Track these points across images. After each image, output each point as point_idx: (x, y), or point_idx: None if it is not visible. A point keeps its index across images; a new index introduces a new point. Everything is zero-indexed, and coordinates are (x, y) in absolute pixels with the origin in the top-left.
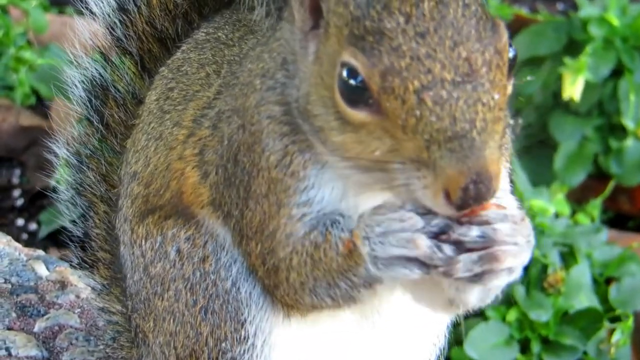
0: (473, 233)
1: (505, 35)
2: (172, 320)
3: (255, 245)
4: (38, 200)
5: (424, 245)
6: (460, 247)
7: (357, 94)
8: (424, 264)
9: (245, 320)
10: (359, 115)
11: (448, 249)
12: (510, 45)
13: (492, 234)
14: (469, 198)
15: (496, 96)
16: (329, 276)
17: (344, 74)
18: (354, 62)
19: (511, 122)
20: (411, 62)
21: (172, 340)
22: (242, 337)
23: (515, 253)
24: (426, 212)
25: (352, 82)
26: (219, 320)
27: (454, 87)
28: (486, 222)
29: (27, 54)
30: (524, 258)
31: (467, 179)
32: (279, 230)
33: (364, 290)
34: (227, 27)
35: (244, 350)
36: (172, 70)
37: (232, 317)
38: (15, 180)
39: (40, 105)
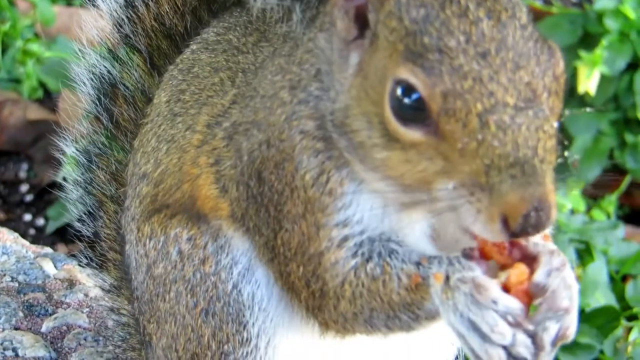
0: (550, 327)
1: (561, 60)
2: (173, 323)
3: (297, 267)
4: (46, 194)
5: (508, 336)
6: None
7: (412, 113)
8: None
9: (247, 322)
10: (412, 134)
11: (526, 341)
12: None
13: (562, 316)
14: (529, 226)
15: (554, 124)
16: (388, 308)
17: (399, 91)
18: (413, 80)
19: None
20: (473, 84)
21: (174, 342)
22: (245, 339)
23: (574, 316)
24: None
25: (406, 100)
26: (220, 322)
27: (517, 112)
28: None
29: (34, 47)
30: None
31: (530, 206)
32: (323, 257)
33: (426, 322)
34: (238, 28)
35: (247, 353)
36: (182, 72)
37: (233, 319)
38: (23, 174)
39: (47, 99)
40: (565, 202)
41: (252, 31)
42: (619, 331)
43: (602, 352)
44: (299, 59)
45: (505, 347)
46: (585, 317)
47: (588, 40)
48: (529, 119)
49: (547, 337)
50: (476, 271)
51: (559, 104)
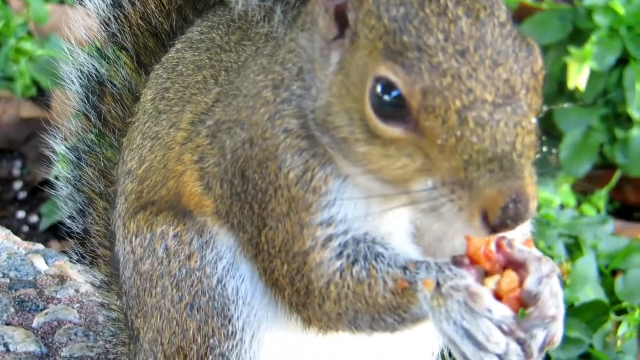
0: (538, 334)
1: (540, 57)
2: (159, 317)
3: (282, 265)
4: (39, 192)
5: (503, 345)
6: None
7: (392, 110)
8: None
9: (232, 316)
10: (392, 131)
11: (518, 349)
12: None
13: (549, 323)
14: (508, 218)
15: (533, 120)
16: (373, 311)
17: (379, 89)
18: (393, 77)
19: None
20: (453, 82)
21: (160, 337)
22: (230, 333)
23: (560, 323)
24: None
25: (386, 97)
26: (206, 316)
27: (495, 108)
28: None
29: (27, 45)
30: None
31: (507, 199)
32: (308, 256)
33: (412, 324)
34: (221, 27)
35: (233, 346)
36: (167, 70)
37: (218, 313)
38: (16, 172)
39: (41, 97)
40: (555, 197)
41: (235, 30)
42: (609, 326)
43: (591, 346)
44: (282, 58)
45: (499, 356)
46: (574, 311)
47: (578, 36)
48: (507, 115)
49: (536, 345)
50: (468, 279)
51: (537, 100)
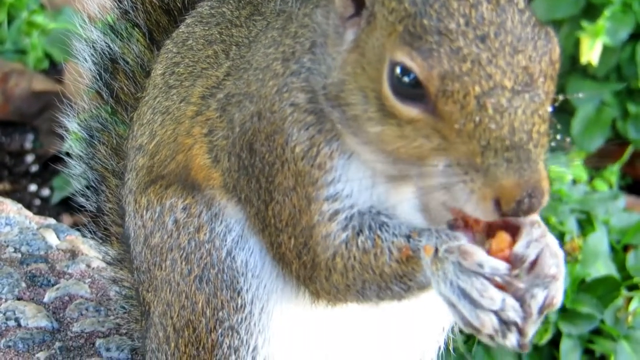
0: (538, 294)
1: (557, 45)
2: (168, 290)
3: (288, 239)
4: (51, 165)
5: (498, 300)
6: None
7: (410, 91)
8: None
9: (241, 289)
10: (410, 111)
11: (515, 305)
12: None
13: (549, 283)
14: (520, 210)
15: (549, 108)
16: (380, 280)
17: (397, 70)
18: (409, 63)
19: None
20: (472, 67)
21: (169, 310)
22: (239, 306)
23: (561, 284)
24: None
25: (405, 79)
26: (215, 289)
27: (514, 95)
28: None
29: (39, 18)
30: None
31: (524, 193)
32: (314, 230)
33: (418, 291)
34: (231, 2)
35: (242, 319)
36: (177, 44)
37: (227, 285)
38: (28, 145)
39: (53, 70)
40: (567, 172)
41: (245, 4)
42: (620, 301)
43: (602, 321)
44: (294, 32)
45: (495, 313)
46: (586, 286)
47: (591, 11)
48: (525, 102)
49: (535, 304)
50: (462, 240)
51: (553, 88)
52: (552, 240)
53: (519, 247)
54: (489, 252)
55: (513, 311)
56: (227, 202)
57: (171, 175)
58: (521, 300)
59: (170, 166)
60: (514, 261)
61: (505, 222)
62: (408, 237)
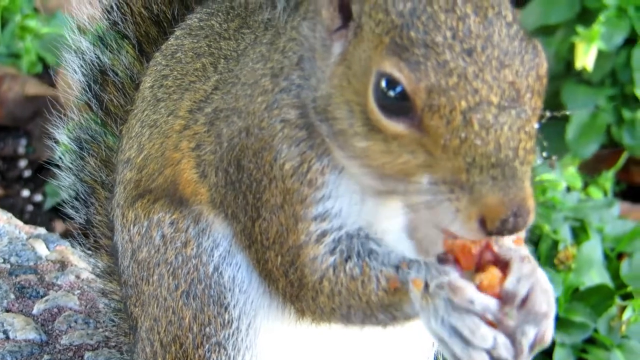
0: (529, 331)
1: (545, 60)
2: (155, 305)
3: (275, 257)
4: (44, 170)
5: (489, 339)
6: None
7: (395, 105)
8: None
9: (228, 304)
10: (395, 126)
11: (506, 342)
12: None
13: (540, 320)
14: (505, 229)
15: (535, 125)
16: (366, 307)
17: (383, 83)
18: (397, 74)
19: None
20: (458, 81)
21: (156, 325)
22: (226, 321)
23: (551, 321)
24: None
25: (391, 92)
26: (202, 304)
27: (500, 111)
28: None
29: (32, 23)
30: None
31: (509, 212)
32: (302, 250)
33: (404, 321)
34: (220, 14)
35: (229, 335)
36: (166, 57)
37: (214, 301)
38: (21, 150)
39: (46, 74)
40: (561, 180)
41: (233, 17)
42: (613, 310)
43: (596, 330)
44: (282, 46)
45: (487, 351)
46: (579, 295)
47: (586, 16)
48: (511, 118)
49: (526, 342)
50: (451, 275)
51: (540, 104)
52: (542, 276)
53: (509, 283)
54: (480, 288)
55: (505, 349)
56: (214, 218)
57: (159, 189)
58: (512, 337)
59: (158, 180)
60: (504, 298)
61: (495, 257)
62: (397, 267)
